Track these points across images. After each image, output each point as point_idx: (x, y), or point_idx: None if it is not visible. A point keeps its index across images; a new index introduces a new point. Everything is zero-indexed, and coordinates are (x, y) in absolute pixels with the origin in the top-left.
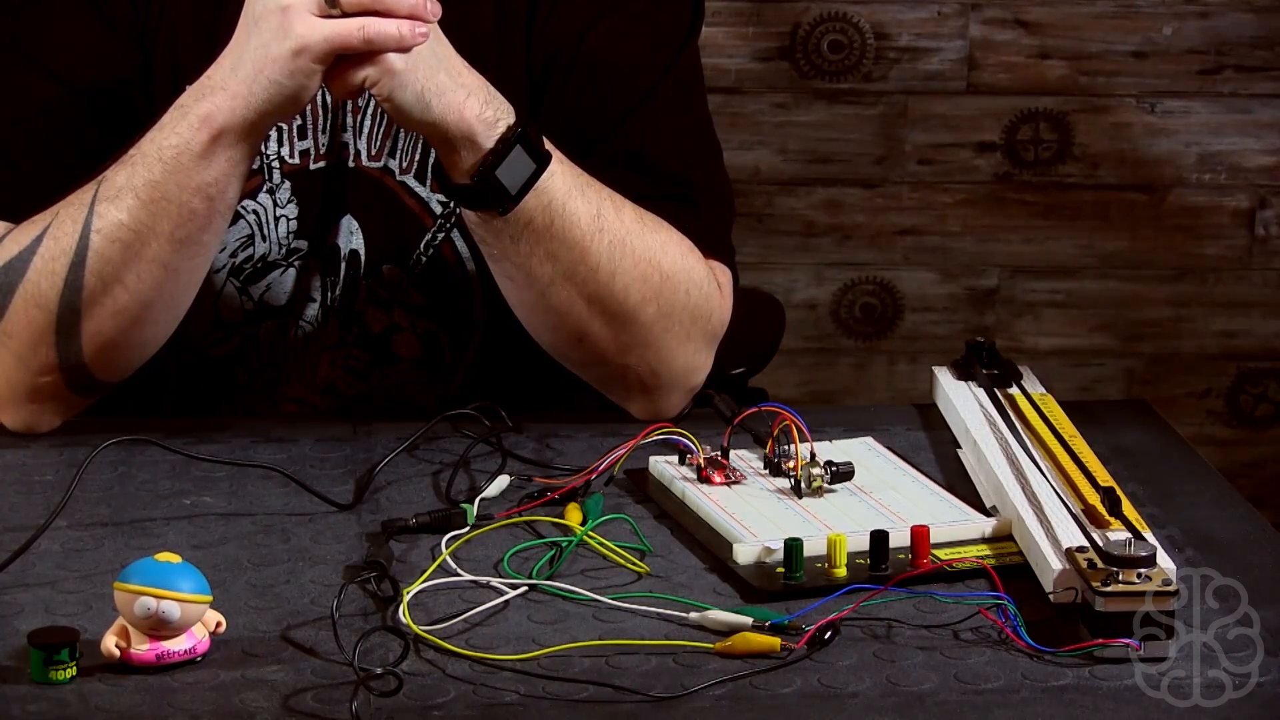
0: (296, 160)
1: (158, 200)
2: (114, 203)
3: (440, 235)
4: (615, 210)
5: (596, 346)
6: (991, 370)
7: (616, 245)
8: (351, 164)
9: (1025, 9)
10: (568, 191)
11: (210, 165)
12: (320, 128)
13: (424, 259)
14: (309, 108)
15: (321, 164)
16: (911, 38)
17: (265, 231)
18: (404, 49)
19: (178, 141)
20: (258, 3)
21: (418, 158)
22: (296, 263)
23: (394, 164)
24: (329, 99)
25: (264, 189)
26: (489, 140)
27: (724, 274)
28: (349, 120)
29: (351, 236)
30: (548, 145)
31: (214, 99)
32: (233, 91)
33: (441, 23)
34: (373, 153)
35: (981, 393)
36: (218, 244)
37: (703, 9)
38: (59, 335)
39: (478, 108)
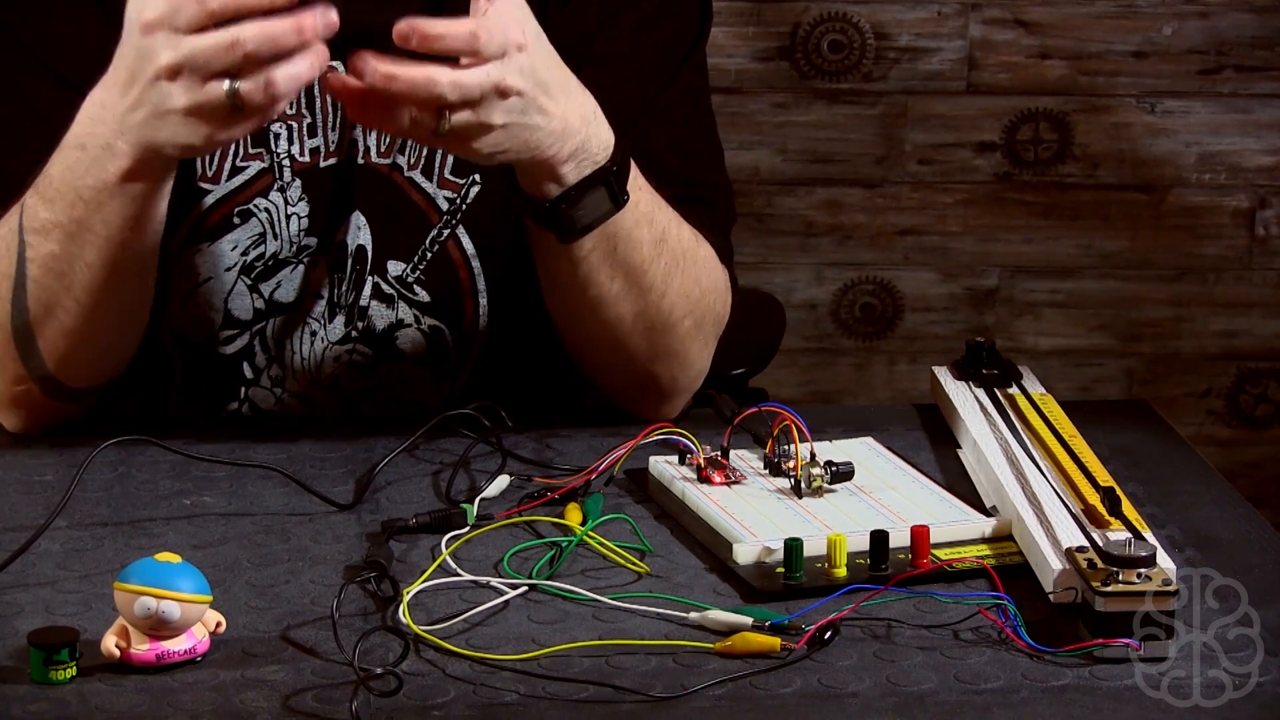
0: (307, 158)
1: (84, 234)
2: (43, 235)
3: (446, 232)
4: (676, 231)
5: (629, 354)
6: (991, 370)
7: (671, 266)
8: (361, 160)
9: (1025, 9)
10: (636, 221)
11: (133, 201)
12: (330, 125)
13: (429, 255)
14: (319, 105)
15: (332, 161)
16: (911, 38)
17: (277, 230)
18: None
19: (94, 183)
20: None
21: (425, 153)
22: (305, 260)
23: (402, 160)
24: None
25: (275, 187)
26: (573, 176)
27: (726, 277)
28: None
29: (359, 231)
30: (631, 180)
31: (120, 143)
32: (146, 143)
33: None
34: (382, 149)
35: (981, 393)
36: (155, 256)
37: (711, 11)
38: (19, 350)
39: (571, 148)
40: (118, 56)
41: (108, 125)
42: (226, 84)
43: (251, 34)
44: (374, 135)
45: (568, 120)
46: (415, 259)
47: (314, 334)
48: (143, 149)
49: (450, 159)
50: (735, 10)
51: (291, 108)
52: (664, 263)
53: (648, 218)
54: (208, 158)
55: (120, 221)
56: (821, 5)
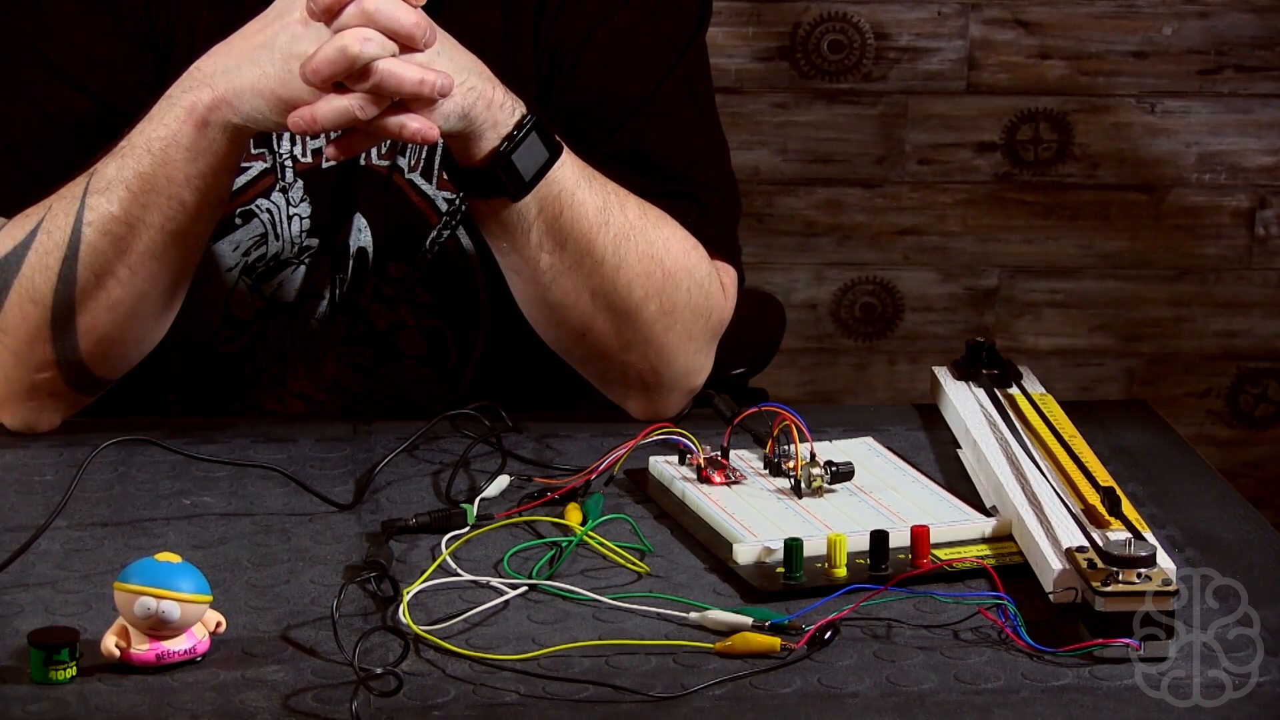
0: (309, 159)
1: (148, 192)
2: (105, 195)
3: (446, 233)
4: (620, 204)
5: (599, 342)
6: (991, 370)
7: (621, 239)
8: (362, 162)
9: (1025, 9)
10: (576, 182)
11: (198, 157)
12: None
13: (429, 256)
14: None
15: (333, 162)
16: (911, 38)
17: (279, 230)
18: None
19: (165, 133)
20: (278, 14)
21: (424, 155)
22: (307, 260)
23: (402, 162)
24: None
25: (277, 188)
26: (505, 126)
27: (728, 273)
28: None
29: (360, 233)
30: (557, 136)
31: (199, 93)
32: (221, 89)
33: (448, 20)
34: (382, 151)
35: (981, 393)
36: (208, 235)
37: (710, 8)
38: (55, 331)
39: (500, 96)
40: (245, 27)
41: (195, 77)
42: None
43: (386, 63)
44: None
45: (481, 69)
46: (416, 260)
47: (315, 334)
48: (223, 96)
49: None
50: (735, 10)
51: None
52: (612, 233)
53: (588, 181)
54: None
55: (183, 179)
56: (821, 5)
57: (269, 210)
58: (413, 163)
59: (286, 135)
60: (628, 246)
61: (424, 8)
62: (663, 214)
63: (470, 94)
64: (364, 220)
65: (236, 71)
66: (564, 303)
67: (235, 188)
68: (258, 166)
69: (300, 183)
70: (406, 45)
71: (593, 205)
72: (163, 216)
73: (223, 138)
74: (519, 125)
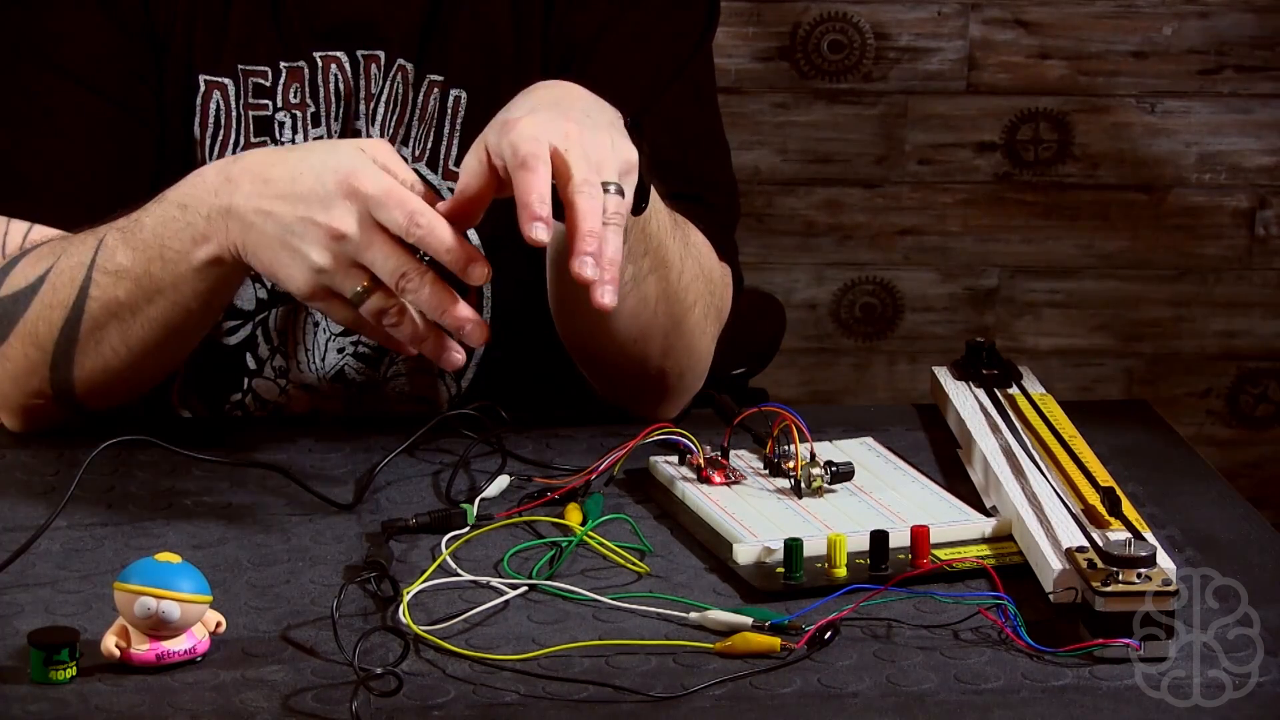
0: None
1: (153, 291)
2: (112, 277)
3: None
4: (672, 208)
5: (644, 350)
6: (991, 370)
7: (683, 244)
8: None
9: (1025, 9)
10: (655, 189)
11: (205, 279)
12: (334, 115)
13: None
14: (323, 96)
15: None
16: (911, 38)
17: None
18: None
19: (179, 248)
20: (332, 154)
21: (429, 145)
22: None
23: (406, 152)
24: (341, 86)
25: None
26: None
27: (729, 275)
28: (362, 108)
29: None
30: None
31: (217, 227)
32: (234, 230)
33: (456, 16)
34: (385, 140)
35: (981, 393)
36: (211, 326)
37: (718, 9)
38: (52, 373)
39: (619, 128)
40: (296, 160)
41: (221, 200)
42: (362, 285)
43: (424, 288)
44: (377, 126)
45: (597, 119)
46: (419, 252)
47: (316, 325)
48: (236, 246)
49: (455, 151)
50: (735, 10)
51: (296, 96)
52: (678, 237)
53: (657, 189)
54: (208, 147)
55: (192, 292)
56: (821, 5)
57: None
58: (417, 153)
59: (288, 124)
60: (686, 251)
61: (441, 15)
62: (686, 217)
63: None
64: None
65: (260, 225)
66: (633, 310)
67: None
68: None
69: None
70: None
71: (664, 209)
72: (165, 314)
73: (233, 265)
74: (645, 153)
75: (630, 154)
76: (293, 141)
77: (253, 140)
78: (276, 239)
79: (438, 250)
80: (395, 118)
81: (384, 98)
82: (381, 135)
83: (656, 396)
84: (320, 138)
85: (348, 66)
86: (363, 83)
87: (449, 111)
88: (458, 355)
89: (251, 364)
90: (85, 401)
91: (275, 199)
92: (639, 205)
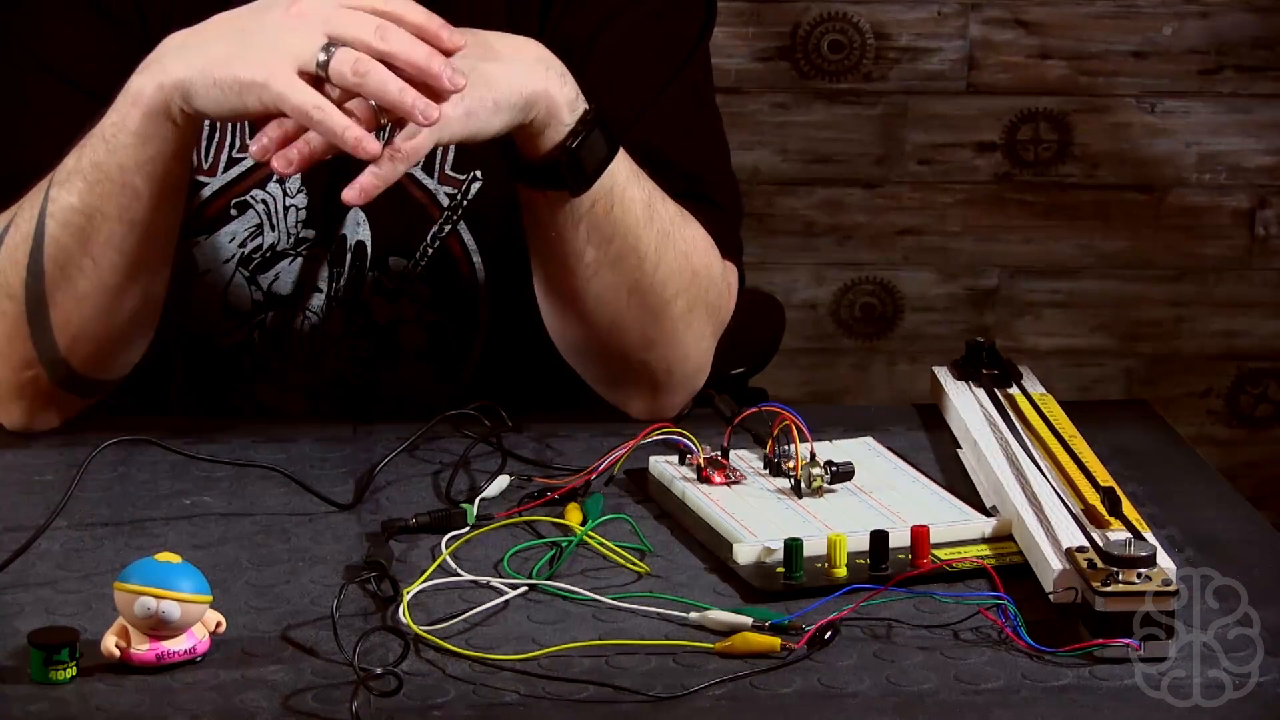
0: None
1: (101, 181)
2: (65, 186)
3: (447, 228)
4: (661, 201)
5: (622, 340)
6: (991, 370)
7: (662, 235)
8: None
9: (1025, 9)
10: (628, 177)
11: (146, 142)
12: None
13: (430, 251)
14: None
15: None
16: (911, 38)
17: (274, 221)
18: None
19: (116, 119)
20: (257, 9)
21: None
22: (304, 252)
23: None
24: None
25: (274, 178)
26: (571, 120)
27: (733, 273)
28: None
29: (358, 228)
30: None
31: (146, 76)
32: (171, 73)
33: (453, 17)
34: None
35: (981, 393)
36: (171, 228)
37: (715, 11)
38: (31, 326)
39: (565, 90)
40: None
41: (150, 59)
42: (324, 44)
43: (403, 35)
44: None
45: (539, 55)
46: (417, 255)
47: (313, 327)
48: (175, 78)
49: (451, 155)
50: (735, 10)
51: None
52: (655, 229)
53: (636, 177)
54: (203, 149)
55: (134, 165)
56: (821, 5)
57: (264, 201)
58: None
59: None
60: (666, 244)
61: (428, 6)
62: (688, 214)
63: (532, 81)
64: (363, 215)
65: (196, 50)
66: (600, 298)
67: (230, 178)
68: None
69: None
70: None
71: (640, 200)
72: (118, 206)
73: (168, 123)
74: (583, 121)
75: (524, 85)
76: None
77: (248, 142)
78: (223, 51)
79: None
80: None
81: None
82: (377, 137)
83: (645, 392)
84: None
85: None
86: None
87: None
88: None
89: (248, 366)
90: (74, 363)
91: (204, 24)
92: (576, 185)
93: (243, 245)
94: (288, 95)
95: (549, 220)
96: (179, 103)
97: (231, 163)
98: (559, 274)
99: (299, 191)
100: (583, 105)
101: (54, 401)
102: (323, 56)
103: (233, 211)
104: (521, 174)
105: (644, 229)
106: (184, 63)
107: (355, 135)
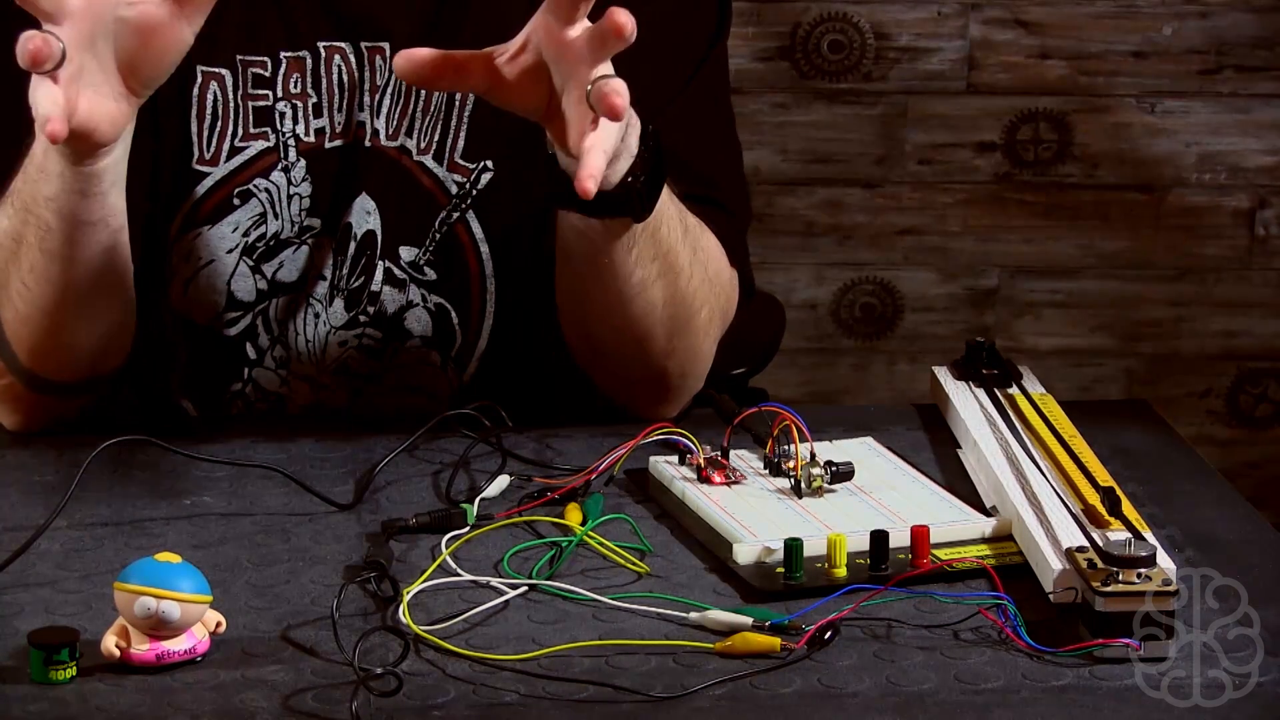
0: (312, 138)
1: (22, 210)
2: (3, 208)
3: (455, 215)
4: (684, 212)
5: (648, 350)
6: (991, 370)
7: (693, 249)
8: (368, 143)
9: (1025, 9)
10: (668, 194)
11: (48, 179)
12: (336, 106)
13: (437, 237)
14: (325, 87)
15: (337, 143)
16: (911, 38)
17: (278, 210)
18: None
19: (36, 148)
20: None
21: (435, 138)
22: (309, 240)
23: (410, 144)
24: (345, 77)
25: (278, 167)
26: (635, 147)
27: (736, 279)
28: (366, 99)
29: (368, 216)
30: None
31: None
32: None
33: (477, 22)
34: (390, 132)
35: (981, 393)
36: (99, 260)
37: (729, 13)
38: None
39: (634, 121)
40: None
41: None
42: None
43: None
44: (382, 117)
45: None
46: (426, 243)
47: (317, 316)
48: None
49: (461, 143)
50: (735, 10)
51: (296, 86)
52: (688, 243)
53: (669, 190)
54: (205, 139)
55: (42, 200)
56: (821, 5)
57: (267, 190)
58: (423, 145)
59: (289, 115)
60: (695, 255)
61: (449, 7)
62: (702, 222)
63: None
64: (372, 204)
65: None
66: (641, 312)
67: (232, 168)
68: (255, 146)
69: (303, 162)
70: None
71: (675, 215)
72: (36, 236)
73: (57, 158)
74: (648, 147)
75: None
76: (293, 130)
77: (252, 132)
78: None
79: None
80: (400, 109)
81: (389, 89)
82: (386, 127)
83: (657, 396)
84: (322, 129)
85: (352, 58)
86: (367, 74)
87: (455, 104)
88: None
89: (252, 354)
90: (40, 371)
91: None
92: (642, 211)
93: (246, 234)
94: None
95: (604, 247)
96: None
97: (234, 152)
98: (601, 294)
99: (303, 180)
100: (638, 128)
101: (39, 403)
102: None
103: (235, 201)
104: (579, 203)
105: (680, 245)
106: None
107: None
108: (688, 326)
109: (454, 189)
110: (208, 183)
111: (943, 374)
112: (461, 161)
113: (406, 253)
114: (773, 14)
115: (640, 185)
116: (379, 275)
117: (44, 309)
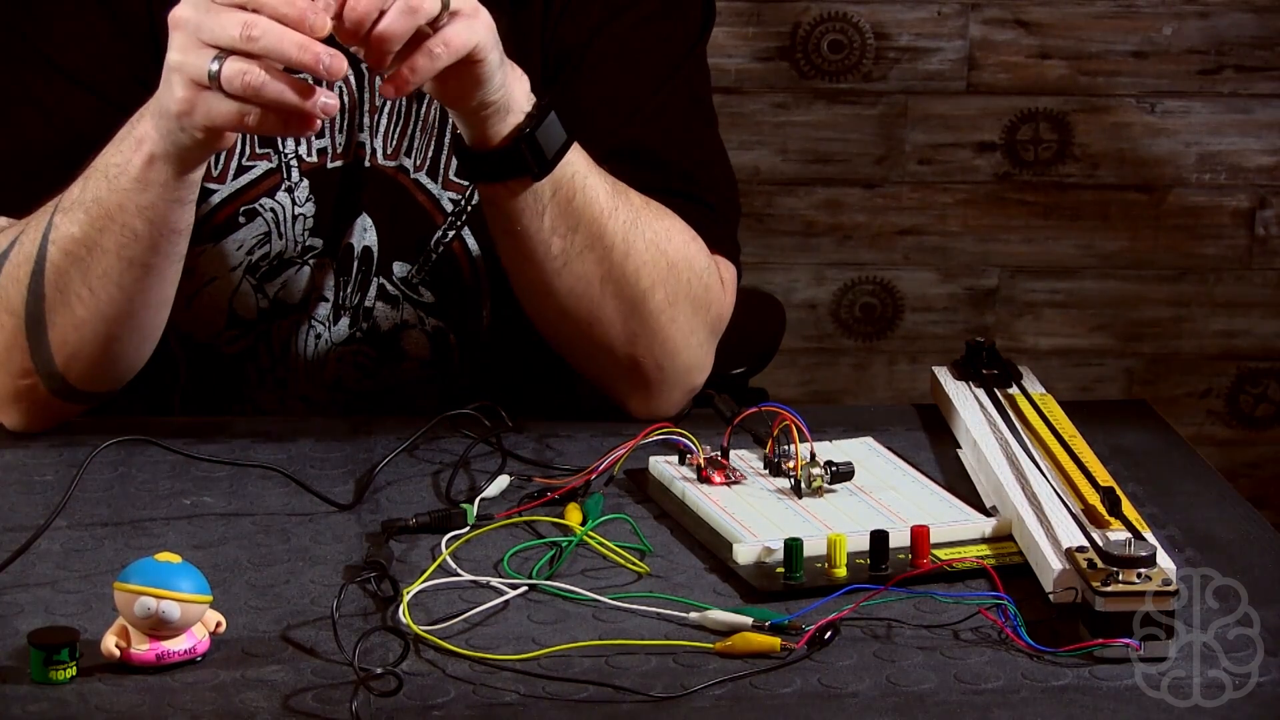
0: (314, 159)
1: (102, 217)
2: (68, 215)
3: (450, 233)
4: (625, 193)
5: (605, 334)
6: (991, 370)
7: (630, 225)
8: (368, 163)
9: (1025, 9)
10: (588, 167)
11: (146, 188)
12: (338, 127)
13: (434, 256)
14: None
15: (339, 163)
16: (911, 38)
17: (282, 230)
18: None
19: (120, 160)
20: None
21: (430, 155)
22: (311, 261)
23: (408, 162)
24: (345, 98)
25: (282, 187)
26: (528, 106)
27: (728, 269)
28: (366, 120)
29: (365, 234)
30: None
31: (147, 124)
32: (157, 123)
33: None
34: (388, 151)
35: (981, 393)
36: (173, 268)
37: (713, 13)
38: (29, 341)
39: (519, 77)
40: None
41: (145, 109)
42: (214, 56)
43: (271, 29)
44: (380, 137)
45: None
46: (420, 260)
47: (319, 336)
48: (159, 129)
49: (455, 160)
50: (735, 10)
51: None
52: (621, 219)
53: (594, 167)
54: (214, 156)
55: (135, 209)
56: (821, 5)
57: (273, 209)
58: (419, 163)
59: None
60: (635, 233)
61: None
62: (662, 207)
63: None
64: (369, 220)
65: (159, 98)
66: (573, 290)
67: (239, 186)
68: (262, 166)
69: (306, 182)
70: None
71: (603, 190)
72: (117, 243)
73: (165, 169)
74: (539, 106)
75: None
76: (295, 151)
77: (258, 151)
78: (163, 83)
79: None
80: (399, 129)
81: (386, 109)
82: (384, 146)
83: (640, 389)
84: (324, 149)
85: (352, 78)
86: (366, 94)
87: (449, 122)
88: (329, 101)
89: (252, 375)
90: (71, 378)
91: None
92: (538, 168)
93: (250, 253)
94: (213, 116)
95: (514, 213)
96: (158, 148)
97: (241, 170)
98: (530, 269)
99: (307, 200)
100: (524, 78)
101: (51, 407)
102: (214, 67)
103: (241, 219)
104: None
105: (609, 219)
106: (159, 109)
107: (305, 106)
108: (639, 308)
109: (449, 206)
110: (215, 199)
111: (943, 374)
112: (455, 179)
113: (400, 268)
114: (773, 14)
115: (530, 139)
116: (373, 291)
117: (105, 316)
